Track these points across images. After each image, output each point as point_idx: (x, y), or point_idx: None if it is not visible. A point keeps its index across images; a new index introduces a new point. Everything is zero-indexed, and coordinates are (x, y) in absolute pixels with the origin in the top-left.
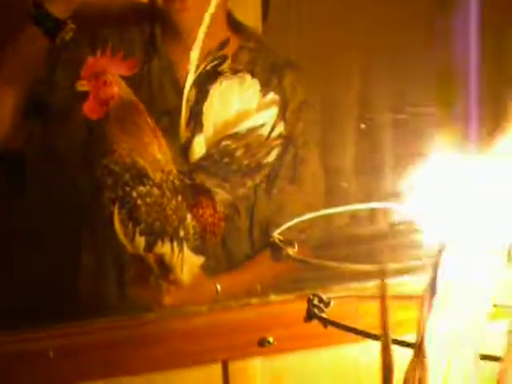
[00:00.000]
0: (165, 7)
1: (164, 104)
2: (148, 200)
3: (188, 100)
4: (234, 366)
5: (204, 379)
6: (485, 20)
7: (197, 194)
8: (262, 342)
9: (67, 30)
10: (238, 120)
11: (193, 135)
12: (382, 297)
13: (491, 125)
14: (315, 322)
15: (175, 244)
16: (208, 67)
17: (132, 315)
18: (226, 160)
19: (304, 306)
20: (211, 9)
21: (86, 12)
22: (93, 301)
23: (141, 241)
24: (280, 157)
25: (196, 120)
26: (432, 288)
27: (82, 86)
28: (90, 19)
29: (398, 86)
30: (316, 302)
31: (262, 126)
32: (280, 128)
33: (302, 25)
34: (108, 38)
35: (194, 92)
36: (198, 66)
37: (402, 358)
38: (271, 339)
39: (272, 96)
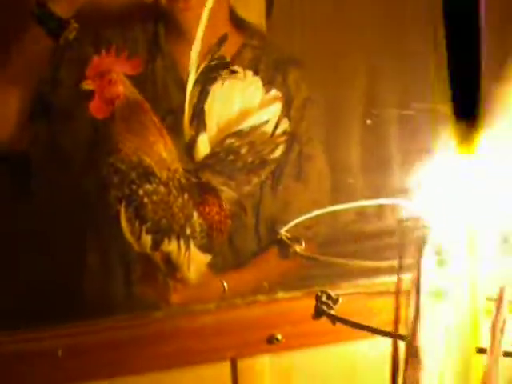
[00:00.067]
0: (168, 6)
1: (168, 103)
2: (154, 198)
3: (190, 99)
4: (242, 364)
5: (213, 377)
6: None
7: (203, 192)
8: (271, 340)
9: (70, 29)
10: (242, 117)
11: (197, 134)
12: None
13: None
14: (324, 319)
15: (182, 242)
16: (208, 66)
17: (139, 314)
18: (231, 158)
19: (312, 303)
20: (209, 4)
21: (89, 11)
22: (99, 300)
23: (147, 239)
24: (285, 154)
25: (199, 119)
26: (417, 286)
27: (88, 85)
28: (93, 18)
29: (404, 82)
30: (324, 298)
31: (266, 122)
32: (284, 125)
33: (306, 22)
34: (111, 38)
35: (195, 91)
36: (198, 65)
37: None
38: (280, 336)
39: (275, 93)
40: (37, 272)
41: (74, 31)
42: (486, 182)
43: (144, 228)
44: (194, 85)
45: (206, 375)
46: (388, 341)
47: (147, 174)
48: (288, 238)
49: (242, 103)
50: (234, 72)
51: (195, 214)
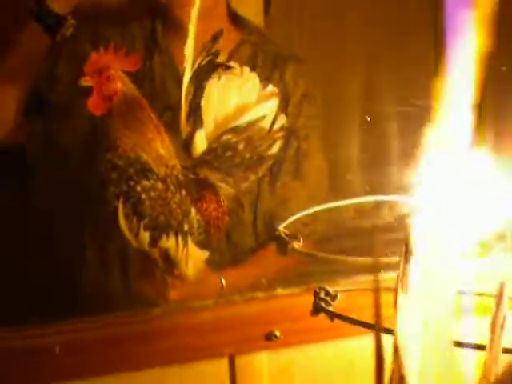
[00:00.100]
0: (167, 2)
1: (166, 99)
2: (152, 194)
3: (186, 95)
4: (240, 361)
5: (211, 374)
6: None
7: (200, 189)
8: (269, 336)
9: (68, 25)
10: (238, 113)
11: (194, 130)
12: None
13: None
14: (322, 315)
15: (180, 238)
16: (203, 62)
17: (137, 311)
18: (229, 154)
19: (310, 299)
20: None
21: (86, 7)
22: (97, 297)
23: (145, 236)
24: (283, 150)
25: (196, 115)
26: (402, 282)
27: (86, 81)
28: (90, 15)
29: (403, 78)
30: (322, 295)
31: (263, 118)
32: (282, 120)
33: (305, 18)
34: (108, 34)
35: (191, 87)
36: (194, 61)
37: None
38: (278, 333)
39: (271, 88)
40: (34, 268)
41: (71, 28)
42: (484, 178)
43: (142, 224)
44: (190, 81)
45: (204, 372)
46: (386, 337)
47: (145, 171)
48: (286, 235)
49: (239, 99)
50: (229, 67)
51: (193, 211)
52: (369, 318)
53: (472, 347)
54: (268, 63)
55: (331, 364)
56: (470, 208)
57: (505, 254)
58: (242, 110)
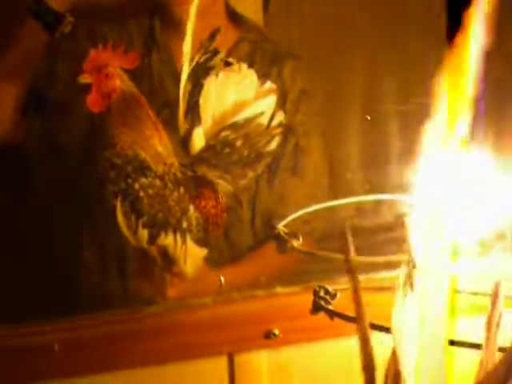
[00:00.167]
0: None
1: (164, 97)
2: (150, 192)
3: (184, 92)
4: (239, 359)
5: (209, 372)
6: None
7: (199, 186)
8: (268, 335)
9: (66, 23)
10: (236, 110)
11: (192, 127)
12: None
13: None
14: (321, 314)
15: (178, 236)
16: (201, 59)
17: (136, 308)
18: (227, 151)
19: (310, 298)
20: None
21: (84, 5)
22: (96, 294)
23: (144, 233)
24: (281, 146)
25: (194, 112)
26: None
27: (85, 79)
28: (88, 12)
29: (403, 77)
30: (322, 293)
31: (261, 115)
32: (280, 117)
33: (304, 15)
34: (107, 32)
35: (189, 84)
36: (192, 58)
37: None
38: (277, 331)
39: (269, 85)
40: (33, 267)
41: (70, 25)
42: (483, 176)
43: (140, 222)
44: (188, 78)
45: (202, 370)
46: (385, 336)
47: (143, 168)
48: (286, 233)
49: (237, 96)
50: (228, 64)
51: (191, 208)
52: (368, 316)
53: (468, 346)
54: (266, 60)
55: (330, 363)
56: (470, 207)
57: (505, 253)
58: (239, 106)
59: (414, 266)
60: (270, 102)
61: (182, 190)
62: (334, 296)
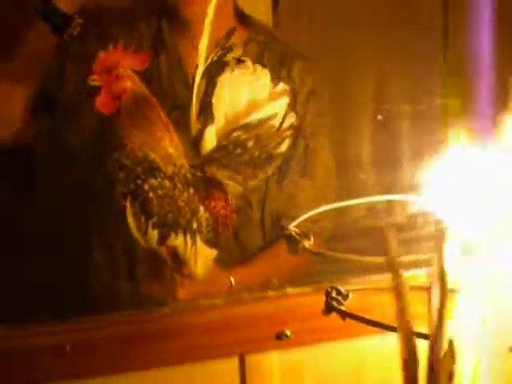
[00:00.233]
0: (175, 1)
1: (173, 98)
2: (160, 192)
3: (198, 92)
4: (250, 360)
5: (221, 373)
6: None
7: (209, 187)
8: (280, 336)
9: (74, 25)
10: (249, 111)
11: (204, 127)
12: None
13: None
14: (333, 314)
15: (188, 236)
16: (216, 58)
17: (147, 310)
18: (238, 151)
19: (321, 298)
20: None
21: (92, 6)
22: (106, 296)
23: (154, 234)
24: (291, 148)
25: (206, 111)
26: (442, 278)
27: (94, 80)
28: (96, 14)
29: (414, 77)
30: (334, 294)
31: (273, 116)
32: (291, 119)
33: (314, 16)
34: (115, 33)
35: (203, 83)
36: (206, 58)
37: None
38: (288, 332)
39: (282, 86)
40: (43, 268)
41: (78, 27)
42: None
43: (150, 223)
44: (202, 77)
45: (214, 371)
46: (398, 336)
47: (152, 169)
48: (297, 234)
49: (251, 96)
50: (241, 61)
51: (201, 209)
52: (380, 317)
53: None
54: (274, 62)
55: (342, 364)
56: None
57: None
58: (252, 107)
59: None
60: (283, 103)
61: (191, 190)
62: (346, 297)
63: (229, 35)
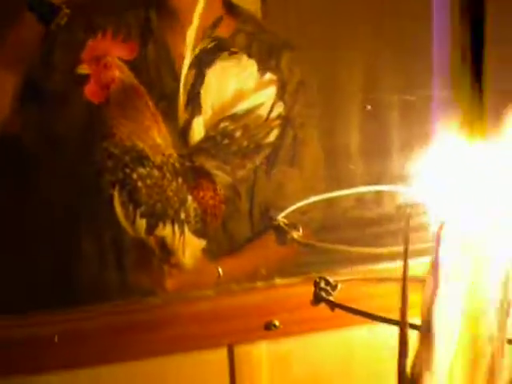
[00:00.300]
0: None
1: (161, 88)
2: (148, 182)
3: (185, 82)
4: (239, 350)
5: (210, 363)
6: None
7: (197, 177)
8: (268, 326)
9: (62, 15)
10: (236, 101)
11: (191, 117)
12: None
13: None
14: (321, 305)
15: (176, 227)
16: (204, 49)
17: (136, 300)
18: (226, 141)
19: (310, 289)
20: None
21: None
22: (95, 286)
23: (142, 223)
24: (279, 138)
25: (194, 102)
26: (435, 269)
27: (83, 69)
28: (84, 4)
29: (404, 67)
30: (323, 285)
31: (261, 106)
32: (279, 109)
33: (303, 5)
34: (103, 23)
35: (191, 74)
36: (194, 48)
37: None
38: (277, 323)
39: (269, 76)
40: (30, 258)
41: (66, 17)
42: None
43: (138, 212)
44: (190, 68)
45: (202, 361)
46: (386, 327)
47: (141, 158)
48: (285, 225)
49: (237, 86)
50: (233, 53)
51: (189, 199)
52: (369, 307)
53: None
54: (263, 52)
55: (330, 354)
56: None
57: None
58: (240, 97)
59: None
60: (270, 93)
61: (180, 180)
62: (334, 287)
63: (215, 25)
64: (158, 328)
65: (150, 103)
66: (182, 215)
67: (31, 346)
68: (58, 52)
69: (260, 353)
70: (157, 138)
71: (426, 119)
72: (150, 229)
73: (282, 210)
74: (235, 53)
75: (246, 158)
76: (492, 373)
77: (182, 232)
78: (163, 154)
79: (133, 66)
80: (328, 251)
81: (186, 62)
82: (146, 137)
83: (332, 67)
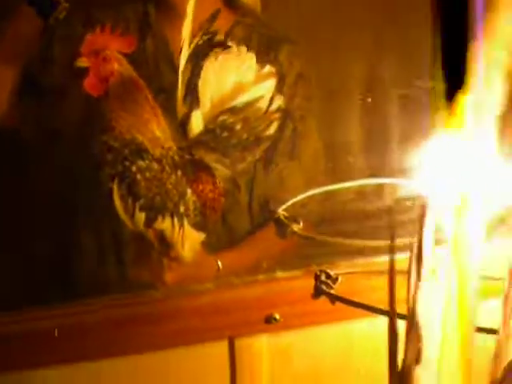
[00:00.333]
0: None
1: (160, 81)
2: (147, 175)
3: (183, 75)
4: (240, 343)
5: (210, 356)
6: None
7: (196, 170)
8: (269, 319)
9: (60, 9)
10: (235, 94)
11: (190, 110)
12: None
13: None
14: (322, 298)
15: (175, 220)
16: (201, 42)
17: (136, 293)
18: (225, 134)
19: (310, 282)
20: None
21: None
22: (94, 280)
23: (141, 216)
24: (279, 131)
25: (192, 95)
26: (418, 257)
27: (82, 62)
28: None
29: (404, 60)
30: (324, 278)
31: (260, 98)
32: (278, 101)
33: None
34: (102, 17)
35: (188, 67)
36: (191, 41)
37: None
38: (278, 316)
39: (268, 68)
40: (29, 252)
41: (64, 11)
42: (480, 159)
43: (137, 205)
44: (187, 61)
45: (203, 354)
46: (387, 320)
47: (140, 151)
48: (286, 217)
49: (236, 79)
50: (227, 47)
51: (189, 192)
52: (369, 300)
53: (485, 331)
54: (262, 45)
55: (331, 347)
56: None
57: (507, 236)
58: (239, 90)
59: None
60: (270, 85)
61: (179, 173)
62: (335, 280)
63: (213, 17)
64: (159, 321)
65: (149, 96)
66: (182, 208)
67: (31, 340)
68: (57, 46)
69: (260, 346)
70: (156, 130)
71: (426, 112)
72: (149, 222)
73: (282, 202)
74: (230, 47)
75: (245, 151)
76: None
77: (182, 225)
78: (162, 147)
79: (132, 59)
80: (328, 244)
81: (184, 55)
82: (145, 130)
83: (331, 60)
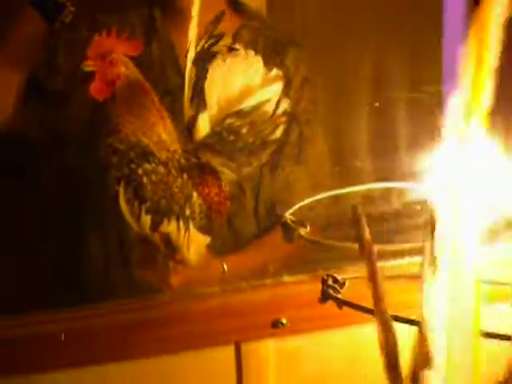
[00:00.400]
0: None
1: (166, 84)
2: (153, 178)
3: (190, 78)
4: (246, 348)
5: (217, 361)
6: None
7: (202, 173)
8: (276, 324)
9: (66, 13)
10: (243, 97)
11: (196, 113)
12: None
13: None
14: (329, 302)
15: (181, 223)
16: (207, 45)
17: (143, 297)
18: (232, 138)
19: (317, 286)
20: None
21: None
22: (100, 283)
23: (147, 219)
24: (285, 135)
25: (199, 98)
26: (431, 263)
27: (89, 66)
28: (88, 1)
29: (412, 64)
30: (331, 282)
31: (267, 102)
32: (284, 105)
33: (308, 2)
34: (108, 21)
35: (195, 69)
36: (197, 44)
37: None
38: (284, 320)
39: (276, 72)
40: (35, 255)
41: (70, 15)
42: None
43: (143, 208)
44: (193, 63)
45: (209, 359)
46: (395, 324)
47: (146, 154)
48: (293, 222)
49: (244, 82)
50: (233, 49)
51: (195, 195)
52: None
53: (497, 337)
54: (268, 48)
55: (338, 352)
56: (479, 194)
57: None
58: (246, 93)
59: (435, 255)
60: (276, 89)
61: (185, 176)
62: (342, 285)
63: (218, 19)
64: (165, 325)
65: (156, 99)
66: (187, 211)
67: (38, 344)
68: (62, 50)
69: (267, 350)
70: (162, 133)
71: (434, 115)
72: (155, 225)
73: (288, 206)
74: (236, 49)
75: (251, 155)
76: None
77: (187, 228)
78: (168, 150)
79: (138, 62)
80: (335, 248)
81: (190, 58)
82: (151, 133)
83: (338, 63)
